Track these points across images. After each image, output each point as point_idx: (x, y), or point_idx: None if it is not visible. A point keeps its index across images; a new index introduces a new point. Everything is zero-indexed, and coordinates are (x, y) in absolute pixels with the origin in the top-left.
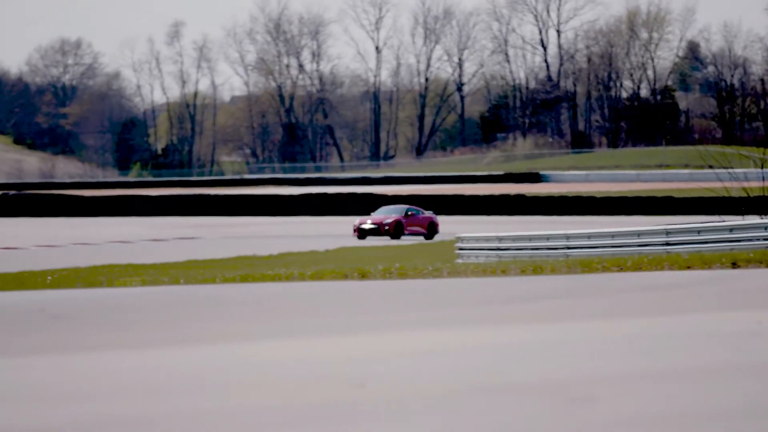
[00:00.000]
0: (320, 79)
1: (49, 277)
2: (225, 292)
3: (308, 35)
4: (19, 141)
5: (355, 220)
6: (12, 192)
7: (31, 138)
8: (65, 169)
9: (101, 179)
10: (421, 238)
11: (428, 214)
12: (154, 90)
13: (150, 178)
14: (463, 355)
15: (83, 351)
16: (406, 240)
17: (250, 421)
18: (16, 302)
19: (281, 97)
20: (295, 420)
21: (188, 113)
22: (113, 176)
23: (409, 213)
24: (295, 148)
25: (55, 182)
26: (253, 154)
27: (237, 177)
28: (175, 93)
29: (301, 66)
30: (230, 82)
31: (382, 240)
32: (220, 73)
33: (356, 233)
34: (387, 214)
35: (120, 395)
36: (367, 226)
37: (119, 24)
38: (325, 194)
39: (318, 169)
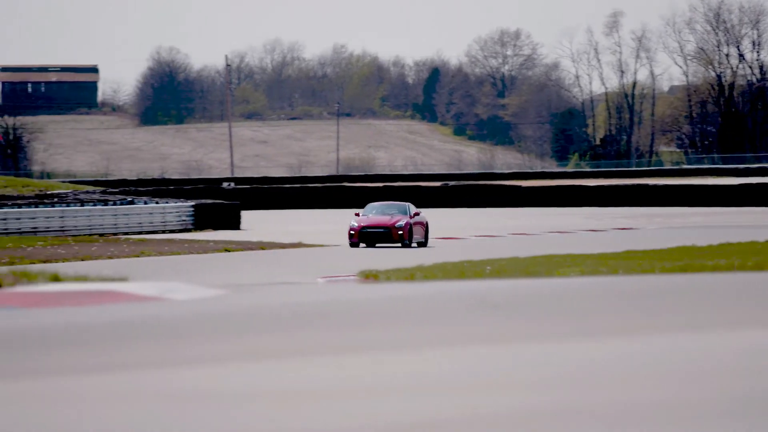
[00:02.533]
0: (761, 68)
1: (488, 267)
2: (663, 283)
3: (749, 24)
4: (458, 132)
5: (352, 221)
6: (452, 183)
7: (470, 129)
8: (504, 159)
9: (539, 170)
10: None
11: (422, 214)
12: (592, 80)
13: (588, 169)
14: None
15: (526, 340)
16: None
17: (678, 414)
18: (457, 291)
19: (720, 86)
20: (703, 413)
21: (626, 103)
22: (551, 167)
23: (414, 213)
24: (735, 138)
25: (493, 173)
26: (692, 144)
27: (675, 167)
28: (613, 83)
29: (741, 55)
30: (669, 71)
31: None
32: (659, 63)
33: (355, 238)
34: (389, 213)
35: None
36: (372, 229)
37: (558, 14)
38: (765, 184)
39: (758, 160)
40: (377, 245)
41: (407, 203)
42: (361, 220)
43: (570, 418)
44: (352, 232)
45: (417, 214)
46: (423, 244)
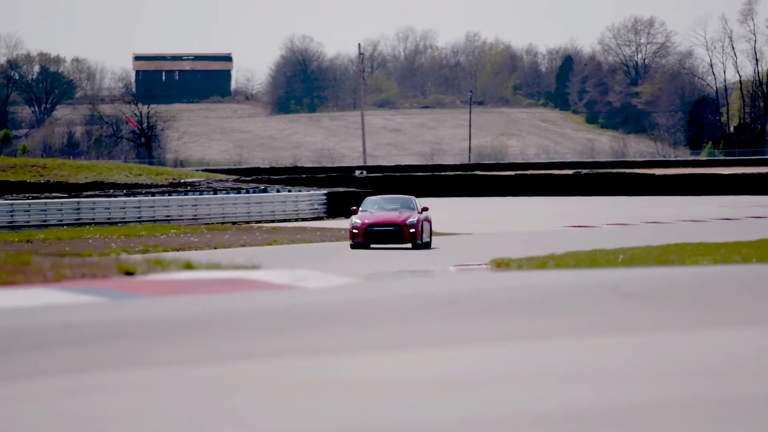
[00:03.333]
0: None
1: (621, 256)
2: None
3: None
4: (591, 120)
5: (353, 218)
6: (584, 171)
7: (603, 117)
8: (636, 147)
9: (672, 158)
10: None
11: (429, 210)
12: (726, 68)
13: (721, 157)
14: None
15: (659, 330)
16: None
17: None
18: (589, 280)
19: None
20: None
21: (761, 91)
22: (684, 155)
23: (422, 208)
24: None
25: (626, 161)
26: None
27: None
28: (748, 71)
29: None
30: None
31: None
32: None
33: (359, 238)
34: (393, 208)
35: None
36: (380, 227)
37: (692, 2)
38: None
39: None
40: (372, 246)
41: (411, 196)
42: (364, 216)
43: (701, 411)
44: (355, 231)
45: (425, 209)
46: (428, 243)
